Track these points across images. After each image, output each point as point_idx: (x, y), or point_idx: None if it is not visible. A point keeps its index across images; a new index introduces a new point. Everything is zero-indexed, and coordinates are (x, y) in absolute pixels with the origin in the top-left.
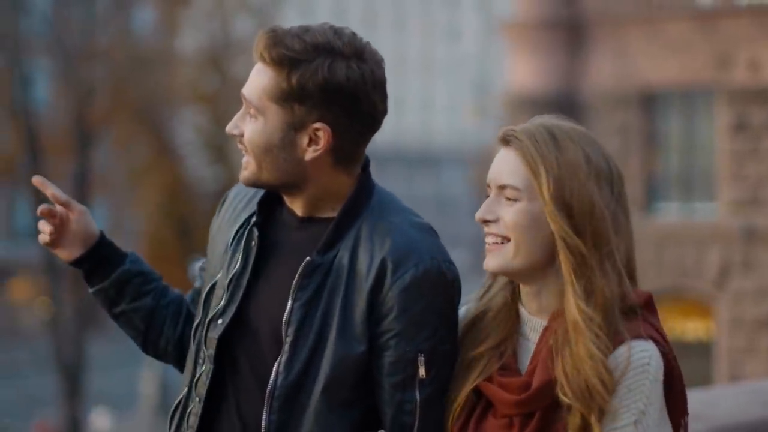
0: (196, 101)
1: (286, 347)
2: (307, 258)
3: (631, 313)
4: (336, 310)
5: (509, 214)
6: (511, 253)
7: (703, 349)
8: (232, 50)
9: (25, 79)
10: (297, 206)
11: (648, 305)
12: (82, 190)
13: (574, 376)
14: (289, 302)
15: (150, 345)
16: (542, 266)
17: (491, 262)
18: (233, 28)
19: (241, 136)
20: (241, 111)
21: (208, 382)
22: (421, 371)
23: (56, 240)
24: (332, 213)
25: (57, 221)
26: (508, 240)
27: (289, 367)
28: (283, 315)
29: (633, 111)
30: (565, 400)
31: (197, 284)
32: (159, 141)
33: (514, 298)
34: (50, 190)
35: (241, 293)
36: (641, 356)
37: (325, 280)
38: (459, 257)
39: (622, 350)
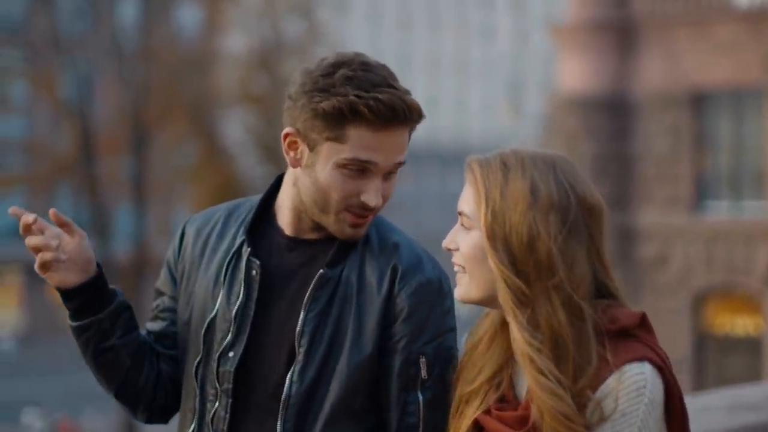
0: (246, 101)
1: (300, 357)
2: (321, 271)
3: (626, 336)
4: (350, 318)
5: (463, 244)
6: (468, 284)
7: (752, 345)
8: (281, 51)
9: (81, 80)
10: (289, 228)
11: (641, 325)
12: (138, 190)
13: (541, 419)
14: (302, 314)
15: (128, 386)
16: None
17: (455, 292)
18: (283, 29)
19: None
20: None
21: (227, 416)
22: (423, 373)
23: (54, 262)
24: (318, 233)
25: (56, 242)
26: (465, 270)
27: (303, 375)
28: (295, 329)
29: (683, 111)
30: None
31: (154, 327)
32: (210, 141)
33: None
34: (51, 210)
35: (249, 322)
36: (636, 379)
37: (334, 293)
38: None
39: (612, 379)
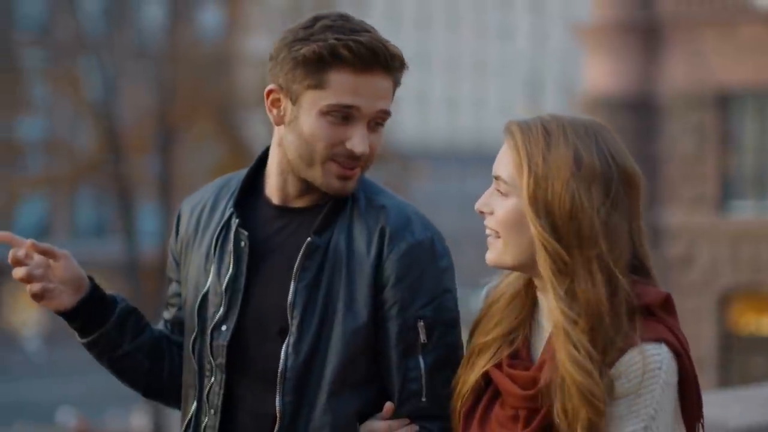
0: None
1: (293, 329)
2: (308, 239)
3: (646, 314)
4: (340, 287)
5: (500, 209)
6: (502, 250)
7: None
8: None
9: (106, 80)
10: (276, 196)
11: (664, 305)
12: (163, 190)
13: (561, 390)
14: (292, 284)
15: (154, 383)
16: (534, 263)
17: (488, 256)
18: None
19: None
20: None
21: (221, 391)
22: (422, 337)
23: (46, 291)
24: (305, 200)
25: (42, 271)
26: (499, 235)
27: (298, 347)
28: (286, 300)
29: (708, 111)
30: (556, 415)
31: (167, 315)
32: (234, 140)
33: (533, 283)
34: (29, 241)
35: (240, 296)
36: (652, 360)
37: (324, 261)
38: None
39: (631, 355)
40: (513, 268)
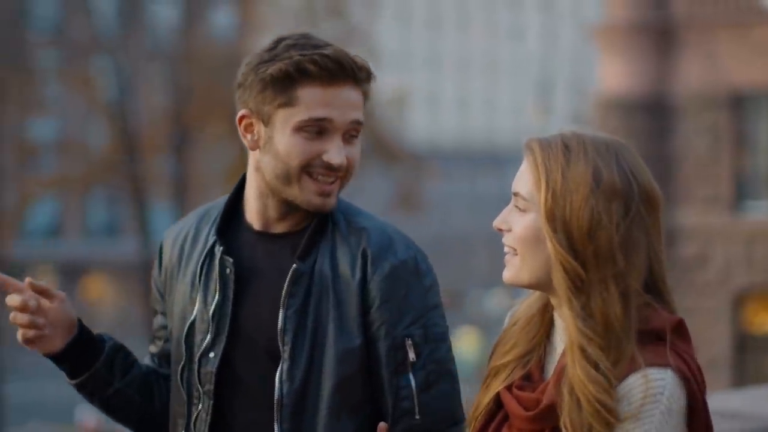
0: None
1: (285, 355)
2: (294, 266)
3: (656, 339)
4: (329, 310)
5: (517, 226)
6: (518, 267)
7: None
8: None
9: (121, 81)
10: (257, 221)
11: (677, 330)
12: (178, 190)
13: (572, 404)
14: (281, 311)
15: (146, 418)
16: (551, 281)
17: (504, 274)
18: (322, 32)
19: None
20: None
21: (209, 418)
22: (411, 355)
23: (40, 337)
24: (285, 225)
25: (42, 314)
26: (517, 253)
27: (292, 374)
28: (276, 327)
29: (722, 112)
30: (563, 420)
31: (153, 349)
32: None
33: (550, 304)
34: (27, 280)
35: (228, 321)
36: (654, 384)
37: (310, 285)
38: None
39: (634, 378)
40: (530, 286)
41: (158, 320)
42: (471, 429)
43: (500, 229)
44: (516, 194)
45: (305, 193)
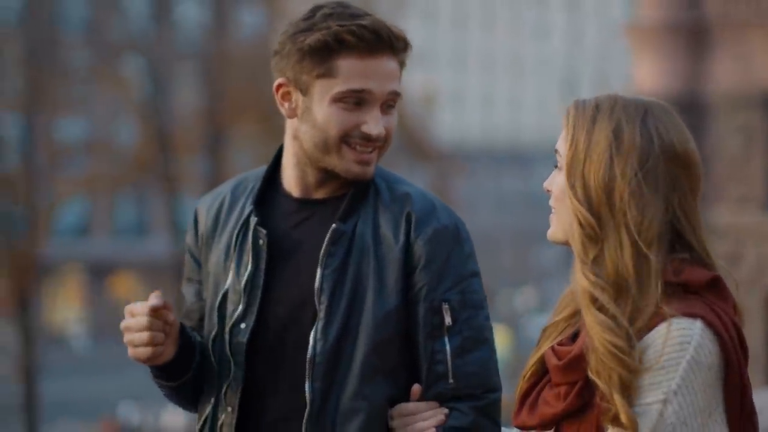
0: None
1: (321, 314)
2: (333, 225)
3: (687, 292)
4: (369, 273)
5: (554, 185)
6: (554, 224)
7: None
8: None
9: (155, 80)
10: (296, 188)
11: (712, 286)
12: (211, 189)
13: (594, 352)
14: (319, 270)
15: (196, 390)
16: None
17: (548, 232)
18: None
19: None
20: None
21: (240, 389)
22: (447, 319)
23: (157, 353)
24: (326, 190)
25: (167, 328)
26: (554, 210)
27: (326, 332)
28: (312, 288)
29: (754, 112)
30: (591, 376)
31: (187, 323)
32: (280, 141)
33: None
34: (162, 302)
35: (260, 293)
36: (681, 333)
37: (350, 247)
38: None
39: (660, 327)
40: (564, 243)
41: (190, 292)
42: (518, 388)
43: (548, 191)
44: (556, 152)
45: (344, 162)
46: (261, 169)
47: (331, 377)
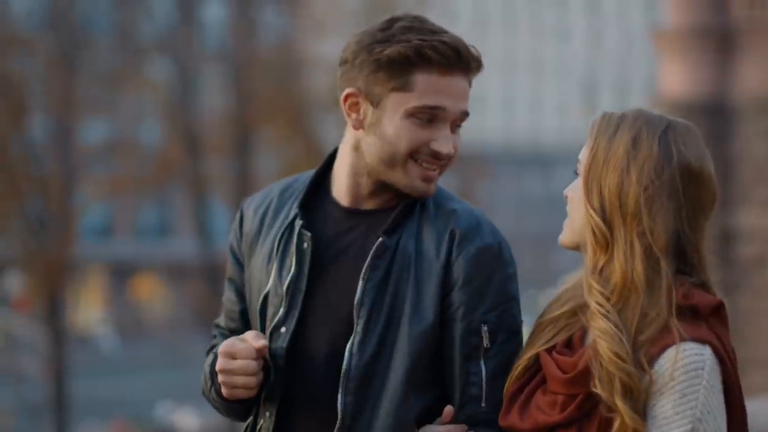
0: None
1: (359, 328)
2: (380, 239)
3: (695, 315)
4: (408, 289)
5: (572, 191)
6: (566, 229)
7: None
8: None
9: (188, 83)
10: (345, 198)
11: (716, 312)
12: (240, 191)
13: (595, 359)
14: (361, 283)
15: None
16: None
17: (559, 237)
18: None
19: None
20: None
21: (279, 394)
22: (485, 341)
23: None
24: (376, 202)
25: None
26: (568, 215)
27: (363, 347)
28: (352, 300)
29: None
30: (595, 390)
31: (231, 324)
32: (308, 143)
33: None
34: (260, 342)
35: (302, 297)
36: (694, 359)
37: (392, 262)
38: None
39: (671, 351)
40: (574, 247)
41: (232, 294)
42: (507, 386)
43: (566, 197)
44: (578, 161)
45: (409, 178)
46: (310, 173)
47: (363, 393)
